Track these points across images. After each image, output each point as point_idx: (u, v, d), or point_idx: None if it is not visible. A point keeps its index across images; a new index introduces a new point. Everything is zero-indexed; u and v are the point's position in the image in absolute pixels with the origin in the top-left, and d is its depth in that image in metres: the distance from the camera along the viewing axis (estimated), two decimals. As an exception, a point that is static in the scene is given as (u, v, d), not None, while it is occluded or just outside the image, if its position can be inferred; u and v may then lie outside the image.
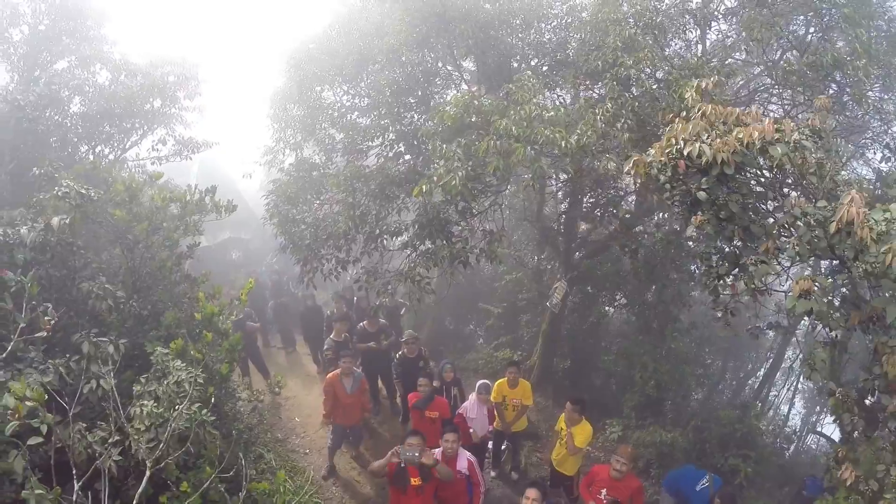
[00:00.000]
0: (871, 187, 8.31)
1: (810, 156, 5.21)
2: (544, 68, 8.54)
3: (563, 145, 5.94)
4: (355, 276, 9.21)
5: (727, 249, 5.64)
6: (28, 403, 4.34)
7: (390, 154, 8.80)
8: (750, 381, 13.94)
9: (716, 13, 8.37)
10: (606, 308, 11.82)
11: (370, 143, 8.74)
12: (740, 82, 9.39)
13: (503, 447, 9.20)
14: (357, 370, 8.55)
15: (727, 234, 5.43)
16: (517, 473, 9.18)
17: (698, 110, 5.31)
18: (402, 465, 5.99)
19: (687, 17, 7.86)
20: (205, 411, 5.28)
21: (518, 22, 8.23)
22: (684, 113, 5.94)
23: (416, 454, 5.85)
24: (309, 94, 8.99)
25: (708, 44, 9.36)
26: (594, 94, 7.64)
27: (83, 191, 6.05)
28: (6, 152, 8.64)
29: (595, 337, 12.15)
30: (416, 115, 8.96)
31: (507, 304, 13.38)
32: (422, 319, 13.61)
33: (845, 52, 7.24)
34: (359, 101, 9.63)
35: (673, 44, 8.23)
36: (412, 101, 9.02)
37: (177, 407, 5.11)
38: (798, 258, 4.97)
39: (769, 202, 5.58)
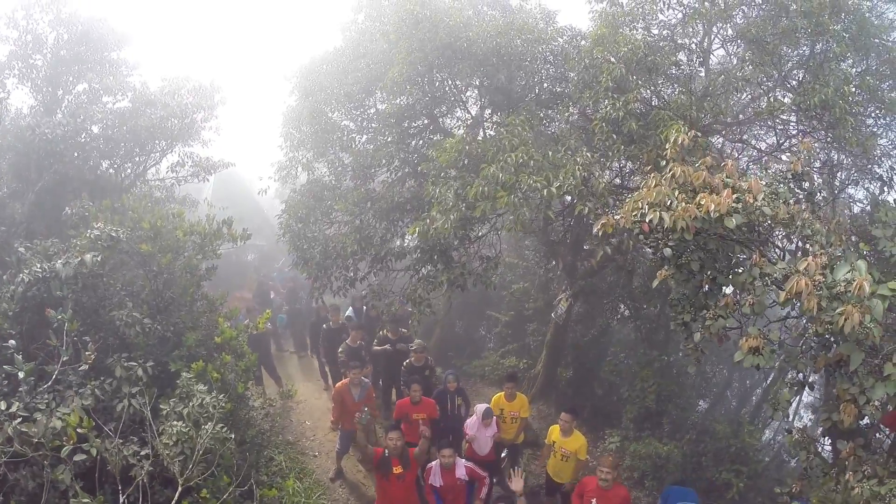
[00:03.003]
0: (865, 215, 9.00)
1: (781, 212, 5.95)
2: (543, 97, 9.32)
3: (545, 193, 6.84)
4: (362, 292, 10.21)
5: (699, 294, 6.47)
6: (80, 430, 5.55)
7: (395, 178, 9.73)
8: (757, 390, 14.63)
9: (712, 45, 9.08)
10: (609, 320, 12.68)
11: (377, 167, 9.67)
12: (747, 98, 10.06)
13: (503, 455, 10.15)
14: (365, 380, 9.49)
15: (694, 283, 6.29)
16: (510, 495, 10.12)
17: (669, 170, 6.13)
18: (386, 454, 7.21)
19: (681, 54, 8.59)
20: (225, 429, 6.38)
21: (519, 50, 8.97)
22: (663, 163, 6.78)
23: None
24: (319, 117, 9.90)
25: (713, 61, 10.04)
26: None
27: (113, 234, 7.14)
28: (32, 171, 9.75)
29: (598, 347, 13.01)
30: (421, 142, 9.86)
31: (515, 312, 14.30)
32: (431, 325, 14.63)
33: (837, 91, 7.86)
34: (367, 124, 10.51)
35: (672, 70, 8.85)
36: (418, 125, 9.93)
37: (202, 427, 6.22)
38: (753, 315, 5.81)
39: (740, 255, 6.37)
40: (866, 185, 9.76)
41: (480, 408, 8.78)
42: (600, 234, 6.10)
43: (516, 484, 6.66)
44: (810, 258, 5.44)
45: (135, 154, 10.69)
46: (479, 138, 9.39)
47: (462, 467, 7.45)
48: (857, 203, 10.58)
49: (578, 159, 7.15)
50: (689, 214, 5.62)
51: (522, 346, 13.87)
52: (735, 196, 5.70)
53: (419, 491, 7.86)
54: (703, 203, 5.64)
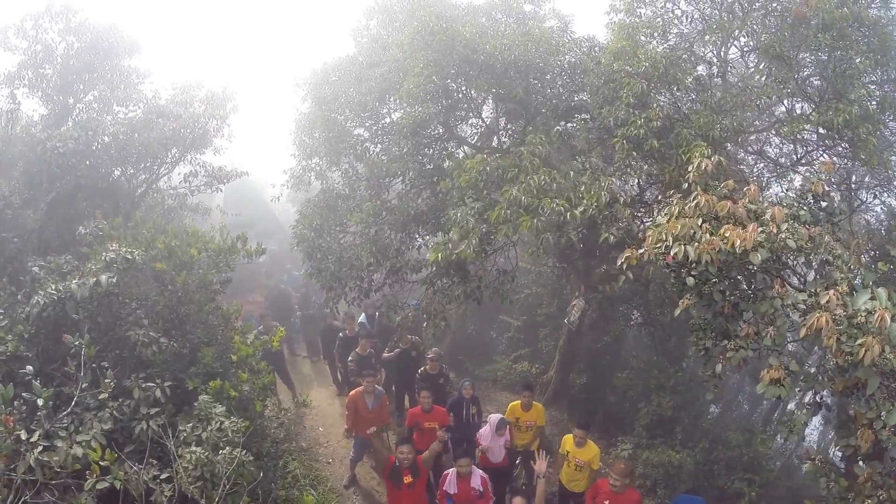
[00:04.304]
0: (882, 229, 8.92)
1: (803, 239, 5.89)
2: (561, 108, 9.15)
3: (569, 217, 6.76)
4: (377, 302, 10.16)
5: (719, 318, 6.41)
6: (102, 463, 5.55)
7: (411, 189, 9.63)
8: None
9: (732, 55, 8.93)
10: (623, 327, 12.62)
11: (392, 177, 9.57)
12: (763, 104, 9.89)
13: (516, 462, 10.17)
14: (379, 388, 9.53)
15: (715, 309, 6.23)
16: (528, 488, 10.16)
17: (693, 198, 6.04)
18: (397, 464, 7.29)
19: (700, 66, 8.45)
20: (244, 452, 6.36)
21: (537, 62, 8.79)
22: (685, 185, 6.70)
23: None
24: (332, 125, 9.77)
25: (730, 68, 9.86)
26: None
27: (128, 256, 7.09)
28: (44, 181, 9.67)
29: (611, 354, 12.98)
30: (436, 151, 9.75)
31: (527, 317, 14.25)
32: (443, 330, 14.52)
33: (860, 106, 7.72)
34: (381, 134, 10.34)
35: (692, 84, 8.70)
36: (432, 134, 9.78)
37: (221, 452, 6.22)
38: (774, 346, 5.78)
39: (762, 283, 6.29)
40: (884, 199, 9.65)
41: (494, 418, 8.80)
42: (625, 266, 6.05)
43: (539, 465, 6.96)
44: (832, 292, 5.41)
45: (147, 163, 10.59)
46: (496, 148, 9.30)
47: (478, 477, 7.46)
48: (872, 211, 10.51)
49: (603, 183, 7.06)
50: (713, 248, 5.57)
51: (534, 351, 13.84)
52: (760, 229, 5.64)
53: (430, 498, 7.97)
54: (727, 236, 5.60)
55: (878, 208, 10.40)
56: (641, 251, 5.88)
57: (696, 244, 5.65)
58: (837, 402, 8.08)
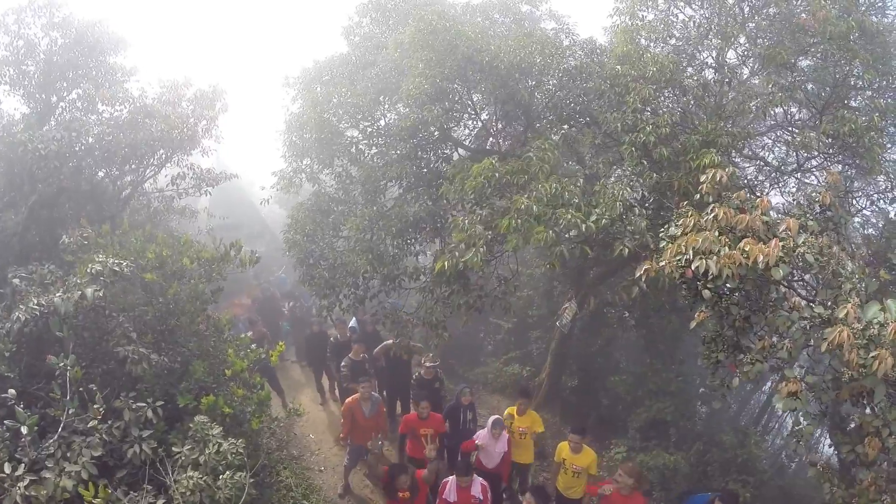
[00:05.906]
0: (881, 237, 8.78)
1: (816, 251, 5.70)
2: (564, 113, 8.82)
3: (584, 228, 6.44)
4: (371, 309, 9.76)
5: (728, 333, 6.20)
6: (95, 501, 5.08)
7: (409, 195, 9.21)
8: (758, 395, 14.59)
9: (733, 60, 8.67)
10: (616, 330, 12.40)
11: (389, 180, 9.14)
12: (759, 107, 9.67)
13: (513, 473, 9.87)
14: (375, 394, 9.18)
15: (728, 321, 6.02)
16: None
17: (711, 212, 5.80)
18: (392, 479, 6.97)
19: (706, 71, 8.18)
20: (243, 474, 5.94)
21: (539, 65, 8.43)
22: (697, 196, 6.46)
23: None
24: (324, 126, 9.27)
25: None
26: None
27: (116, 268, 6.58)
28: (25, 183, 9.08)
29: (604, 356, 12.75)
30: (433, 156, 9.35)
31: (518, 319, 13.91)
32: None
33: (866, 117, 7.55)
34: (376, 136, 9.92)
35: (700, 91, 8.42)
36: (428, 137, 9.38)
37: (221, 476, 5.79)
38: (790, 358, 5.60)
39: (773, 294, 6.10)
40: (880, 205, 9.51)
41: (491, 419, 8.52)
42: (644, 278, 5.77)
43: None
44: (849, 306, 5.32)
45: (132, 164, 10.04)
46: (491, 150, 8.91)
47: (478, 485, 7.20)
48: (863, 213, 10.38)
49: (617, 192, 6.75)
50: (734, 262, 5.35)
51: (525, 353, 13.55)
52: (781, 244, 5.44)
53: None
54: (747, 250, 5.43)
55: (867, 211, 10.31)
56: (662, 264, 5.59)
57: (716, 258, 5.42)
58: (832, 407, 8.00)
